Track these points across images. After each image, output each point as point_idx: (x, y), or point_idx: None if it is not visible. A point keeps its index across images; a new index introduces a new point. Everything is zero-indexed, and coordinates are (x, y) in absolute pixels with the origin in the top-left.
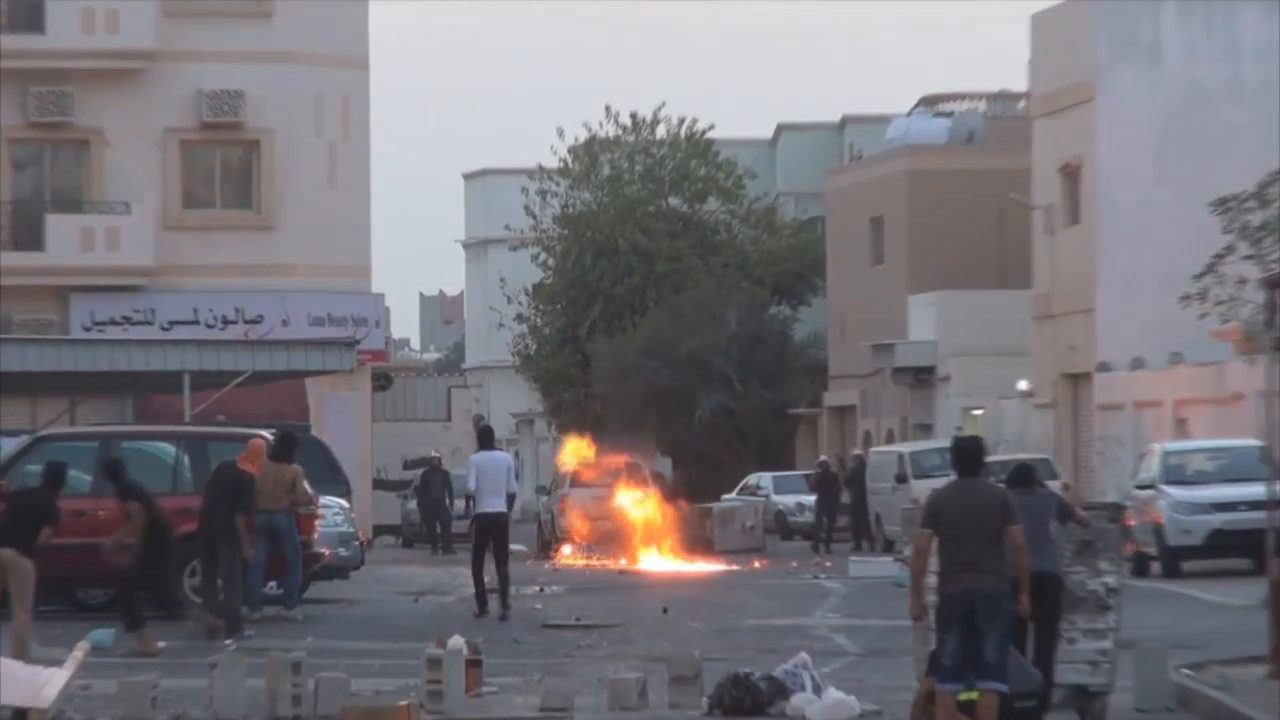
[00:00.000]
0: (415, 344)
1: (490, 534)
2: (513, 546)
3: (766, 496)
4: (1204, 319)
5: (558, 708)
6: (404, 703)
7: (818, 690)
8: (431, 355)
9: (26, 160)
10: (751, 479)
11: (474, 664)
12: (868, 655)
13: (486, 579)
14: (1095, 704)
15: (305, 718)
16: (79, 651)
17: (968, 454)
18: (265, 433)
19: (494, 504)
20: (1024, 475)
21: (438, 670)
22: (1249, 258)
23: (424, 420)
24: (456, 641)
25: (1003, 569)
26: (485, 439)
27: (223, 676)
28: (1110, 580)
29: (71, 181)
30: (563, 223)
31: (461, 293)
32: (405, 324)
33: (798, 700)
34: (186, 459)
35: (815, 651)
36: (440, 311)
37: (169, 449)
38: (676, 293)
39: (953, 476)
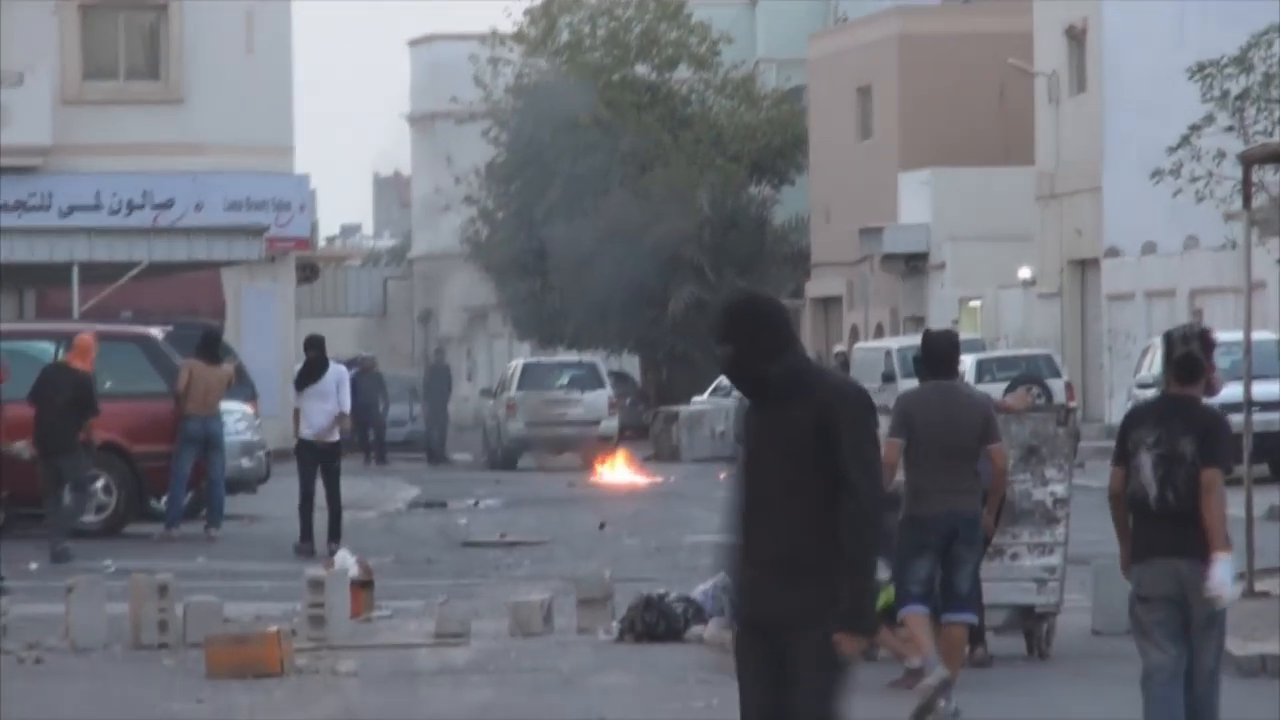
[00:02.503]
0: (369, 229)
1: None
2: (458, 455)
3: (740, 399)
4: (1177, 196)
5: (453, 633)
6: (274, 629)
7: None
8: (386, 242)
9: None
10: (724, 379)
11: (364, 586)
12: None
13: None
14: (1042, 625)
15: (172, 645)
16: None
17: (941, 351)
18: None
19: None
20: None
21: (320, 593)
22: (1230, 129)
23: (357, 316)
24: (343, 561)
25: (976, 488)
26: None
27: (80, 602)
28: (1058, 490)
29: None
30: (516, 94)
31: None
32: (358, 208)
33: (716, 624)
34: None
35: None
36: (396, 194)
37: (48, 349)
38: (643, 172)
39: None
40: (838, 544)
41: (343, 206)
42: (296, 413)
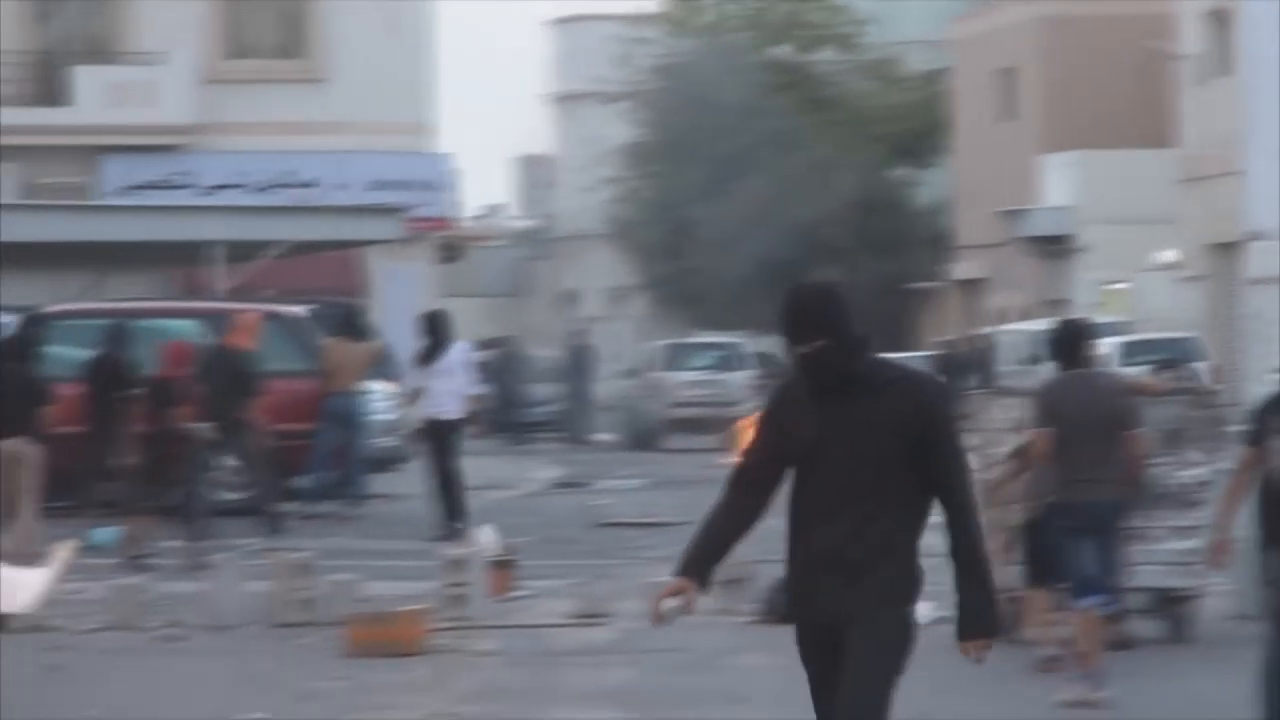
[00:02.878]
0: (513, 210)
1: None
2: (600, 435)
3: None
4: None
5: (593, 614)
6: (414, 608)
7: None
8: (530, 223)
9: (49, 5)
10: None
11: (504, 565)
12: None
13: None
14: (1182, 609)
15: (312, 624)
16: (64, 551)
17: (1072, 341)
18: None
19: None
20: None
21: (460, 572)
22: None
23: (499, 296)
24: (485, 540)
25: (1120, 474)
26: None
27: (221, 580)
28: (1200, 472)
29: (101, 29)
30: (659, 75)
31: None
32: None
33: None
34: (210, 338)
35: None
36: (540, 174)
37: (190, 328)
38: (786, 154)
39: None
40: (911, 541)
41: (487, 187)
42: (417, 392)
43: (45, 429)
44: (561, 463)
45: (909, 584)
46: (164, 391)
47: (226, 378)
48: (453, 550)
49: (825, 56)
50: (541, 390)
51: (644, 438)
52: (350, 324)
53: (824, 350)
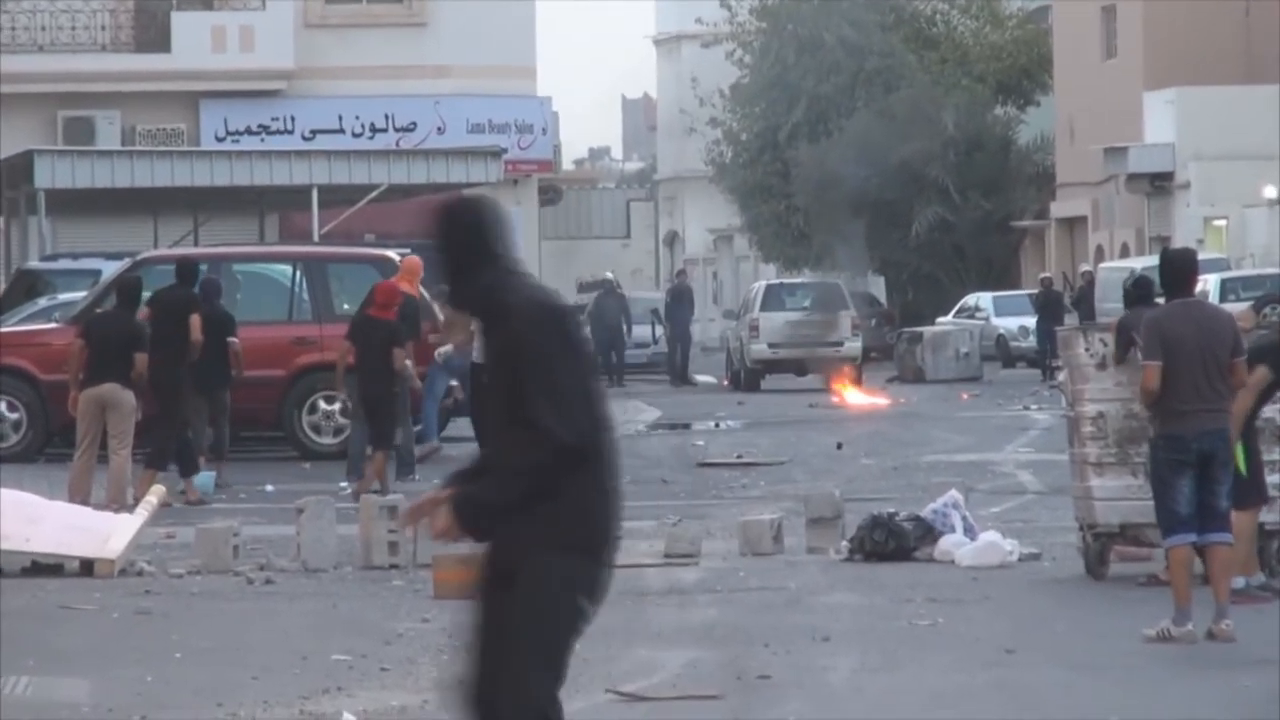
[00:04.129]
0: (617, 153)
1: None
2: (701, 377)
3: (986, 319)
4: None
5: (682, 554)
6: None
7: (970, 532)
8: (635, 165)
9: None
10: (969, 300)
11: None
12: (1048, 493)
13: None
14: (1273, 543)
15: (401, 566)
16: (153, 496)
17: (1182, 269)
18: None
19: None
20: (1145, 291)
21: None
22: None
23: (600, 238)
24: None
25: (1227, 406)
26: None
27: (310, 523)
28: None
29: None
30: (761, 15)
31: None
32: (606, 131)
33: (946, 543)
34: (304, 284)
35: (995, 490)
36: (643, 116)
37: (285, 271)
38: (887, 92)
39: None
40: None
41: (591, 129)
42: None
43: (140, 375)
44: (661, 404)
45: (561, 528)
46: (372, 330)
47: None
48: None
49: None
50: (642, 331)
51: (744, 378)
52: None
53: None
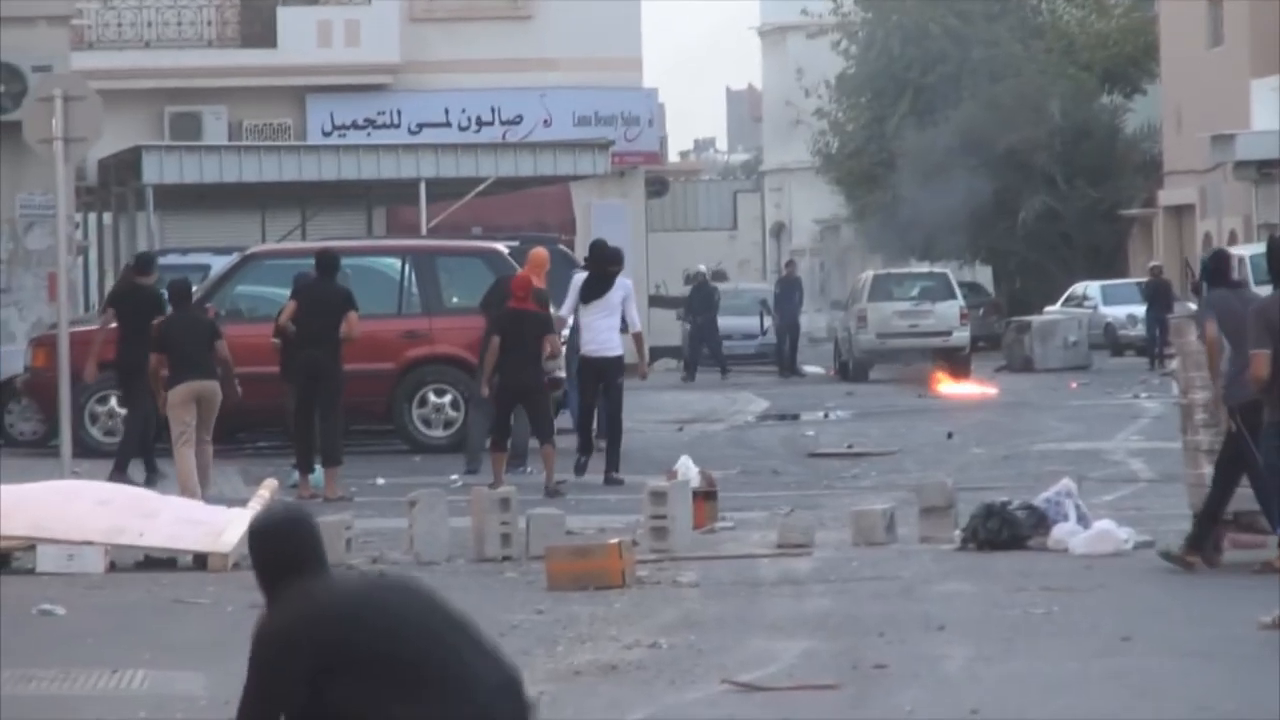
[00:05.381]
0: (722, 144)
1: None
2: (809, 368)
3: (1094, 308)
4: None
5: (795, 544)
6: (615, 541)
7: (1083, 520)
8: (740, 156)
9: None
10: (1077, 288)
11: (707, 497)
12: (1160, 481)
13: None
14: None
15: (514, 558)
16: (265, 490)
17: None
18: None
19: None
20: (1223, 266)
21: (662, 504)
22: None
23: (707, 230)
24: (685, 472)
25: None
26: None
27: (423, 515)
28: None
29: None
30: (866, 5)
31: None
32: (711, 123)
33: (1059, 531)
34: (413, 277)
35: (1108, 478)
36: (748, 107)
37: (394, 265)
38: (994, 82)
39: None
40: None
41: (696, 122)
42: (576, 328)
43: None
44: (770, 395)
45: None
46: (523, 322)
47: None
48: (655, 482)
49: None
50: (749, 323)
51: (853, 369)
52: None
53: None
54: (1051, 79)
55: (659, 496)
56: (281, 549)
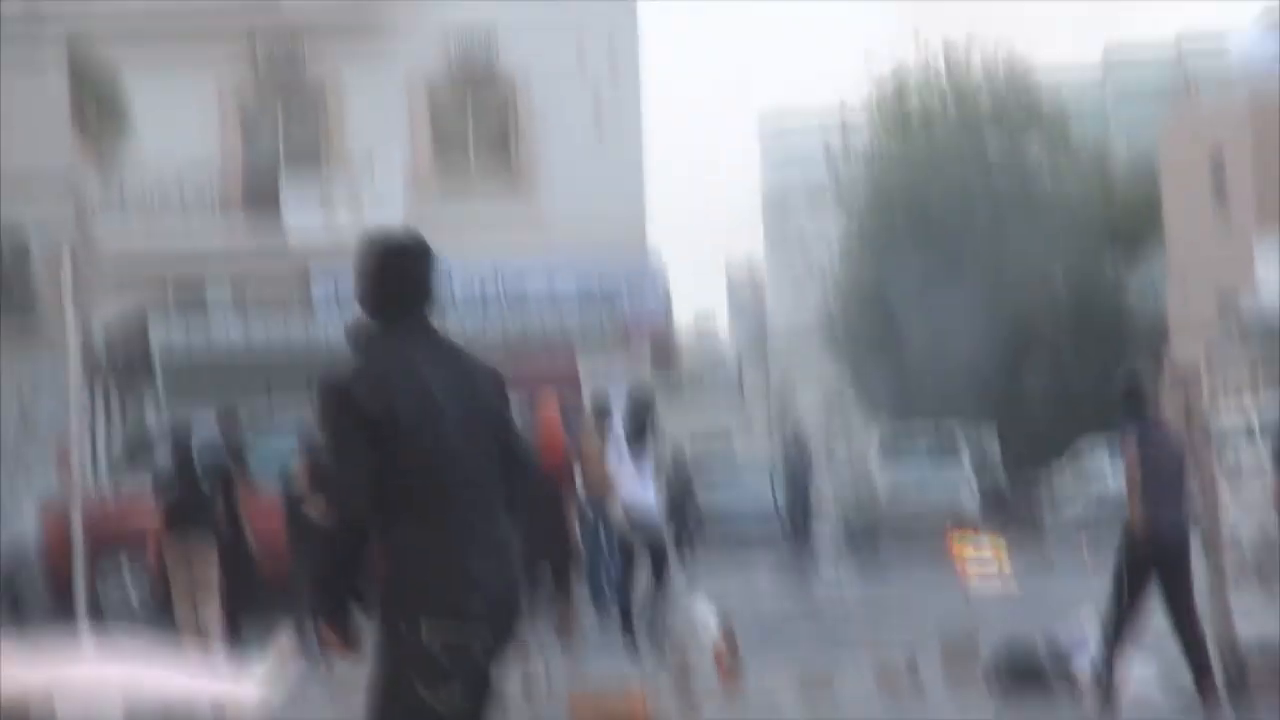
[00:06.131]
0: (723, 318)
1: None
2: (817, 530)
3: (1100, 466)
4: None
5: (816, 684)
6: (638, 684)
7: (1103, 654)
8: (742, 324)
9: (256, 116)
10: (1084, 446)
11: (726, 642)
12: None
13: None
14: None
15: (536, 699)
16: (284, 640)
17: None
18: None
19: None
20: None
21: (683, 651)
22: None
23: (712, 391)
24: (702, 619)
25: None
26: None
27: None
28: None
29: (306, 138)
30: (870, 169)
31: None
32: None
33: (1082, 663)
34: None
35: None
36: (750, 287)
37: None
38: (997, 245)
39: None
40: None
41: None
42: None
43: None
44: (779, 553)
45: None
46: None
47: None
48: (677, 629)
49: (1034, 148)
50: (757, 486)
51: (859, 530)
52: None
53: None
54: (1055, 245)
55: (679, 643)
56: (415, 268)
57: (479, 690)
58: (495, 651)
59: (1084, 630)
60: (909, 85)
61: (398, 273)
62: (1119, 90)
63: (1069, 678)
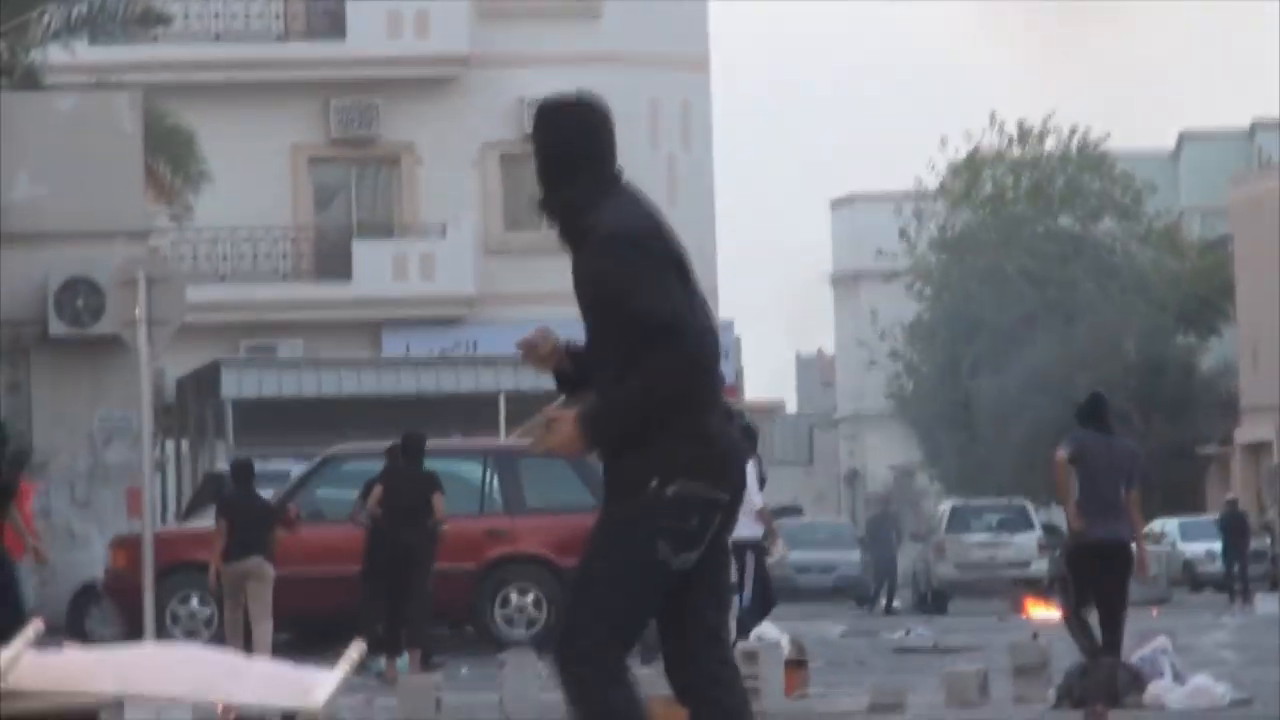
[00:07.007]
0: (791, 408)
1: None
2: (890, 602)
3: (1172, 545)
4: None
5: (888, 705)
6: None
7: (1179, 678)
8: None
9: (330, 181)
10: (1155, 525)
11: (798, 665)
12: (1249, 664)
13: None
14: None
15: None
16: (353, 651)
17: None
18: None
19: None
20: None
21: (754, 665)
22: None
23: (783, 463)
24: (772, 636)
25: None
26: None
27: (514, 675)
28: None
29: (380, 204)
30: (940, 248)
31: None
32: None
33: (1156, 688)
34: (495, 477)
35: (1199, 662)
36: (818, 373)
37: (474, 467)
38: (1069, 322)
39: None
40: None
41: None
42: None
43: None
44: (845, 618)
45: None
46: None
47: None
48: (745, 644)
49: (1106, 225)
50: (828, 557)
51: (931, 600)
52: None
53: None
54: (1126, 318)
55: (750, 657)
56: (603, 127)
57: (707, 563)
58: (726, 526)
59: (1158, 656)
60: (983, 165)
61: (609, 127)
62: (1192, 167)
63: (1140, 703)
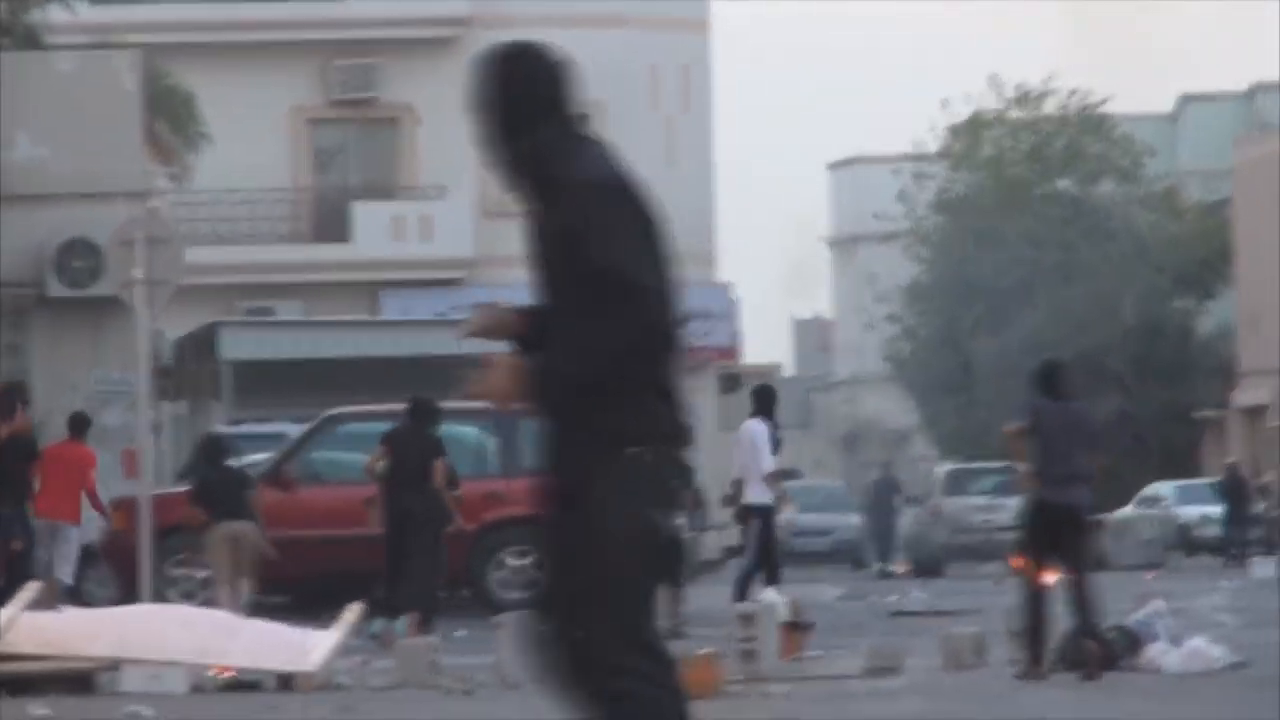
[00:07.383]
0: (789, 371)
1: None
2: (888, 566)
3: (1168, 508)
4: None
5: (884, 667)
6: (707, 651)
7: (1175, 641)
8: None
9: (329, 142)
10: (1150, 489)
11: (796, 628)
12: (1245, 628)
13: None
14: None
15: None
16: (349, 614)
17: None
18: None
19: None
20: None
21: (751, 627)
22: None
23: (780, 426)
24: (770, 599)
25: None
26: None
27: (510, 640)
28: None
29: (380, 165)
30: (939, 210)
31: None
32: (776, 348)
33: (1152, 651)
34: (494, 440)
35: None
36: (817, 337)
37: (473, 430)
38: (1067, 284)
39: None
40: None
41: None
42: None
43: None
44: (843, 582)
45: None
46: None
47: None
48: (742, 607)
49: (1105, 188)
50: (825, 520)
51: (929, 564)
52: None
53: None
54: (1125, 282)
55: (747, 619)
56: (561, 72)
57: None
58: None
59: (1154, 619)
60: (984, 127)
61: (568, 74)
62: (1191, 130)
63: (1136, 666)
